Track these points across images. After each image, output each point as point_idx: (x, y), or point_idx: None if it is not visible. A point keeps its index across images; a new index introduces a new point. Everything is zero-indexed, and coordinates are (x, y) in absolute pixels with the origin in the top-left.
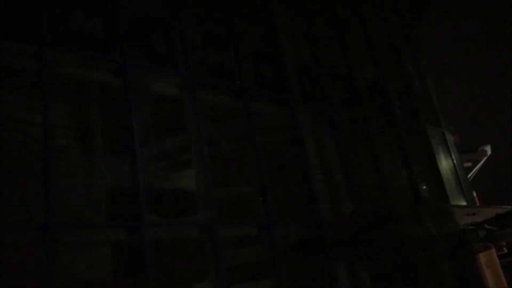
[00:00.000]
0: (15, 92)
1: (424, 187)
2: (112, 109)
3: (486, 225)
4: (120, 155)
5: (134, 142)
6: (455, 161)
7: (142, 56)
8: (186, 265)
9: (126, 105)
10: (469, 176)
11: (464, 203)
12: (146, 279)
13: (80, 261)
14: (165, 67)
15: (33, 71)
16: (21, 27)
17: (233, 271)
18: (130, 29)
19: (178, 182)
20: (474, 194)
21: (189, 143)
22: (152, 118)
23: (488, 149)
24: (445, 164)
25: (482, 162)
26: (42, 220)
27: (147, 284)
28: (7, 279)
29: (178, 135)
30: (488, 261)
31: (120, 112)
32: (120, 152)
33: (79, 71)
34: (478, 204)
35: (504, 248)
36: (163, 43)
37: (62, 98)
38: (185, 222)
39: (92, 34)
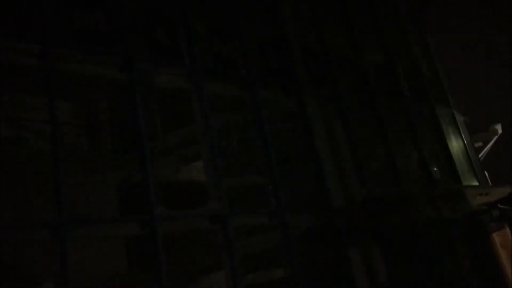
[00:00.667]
0: (22, 90)
1: (435, 169)
2: (120, 104)
3: (499, 204)
4: (129, 149)
5: (143, 136)
6: (465, 142)
7: (147, 50)
8: (200, 256)
9: (132, 99)
10: (480, 155)
11: (476, 184)
12: (159, 272)
13: (95, 256)
14: (170, 59)
15: (40, 69)
16: (24, 25)
17: (247, 260)
18: (134, 23)
19: (188, 174)
20: (486, 174)
21: (198, 134)
22: (159, 111)
23: (499, 128)
24: (455, 145)
25: (493, 141)
26: (54, 217)
27: (161, 276)
28: (23, 276)
29: (186, 127)
30: (502, 241)
31: (127, 106)
32: (129, 146)
33: (85, 68)
34: (490, 183)
35: None
36: (168, 36)
37: (70, 95)
38: (196, 213)
39: (96, 30)
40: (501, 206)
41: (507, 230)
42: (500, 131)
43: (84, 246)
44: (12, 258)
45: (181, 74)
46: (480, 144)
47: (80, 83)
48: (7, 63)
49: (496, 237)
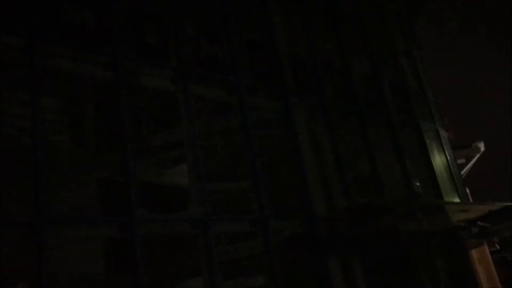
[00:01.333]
0: (7, 86)
1: (418, 183)
2: (105, 103)
3: (479, 221)
4: (112, 149)
5: (126, 136)
6: (448, 157)
7: (134, 49)
8: (179, 260)
9: (117, 99)
10: (462, 172)
11: (457, 200)
12: (137, 275)
13: (73, 256)
14: (157, 60)
15: (25, 64)
16: (9, 19)
17: (227, 266)
18: (122, 21)
19: (170, 177)
20: (467, 190)
21: (182, 137)
22: (144, 112)
23: (482, 146)
24: (438, 160)
25: (475, 158)
26: (32, 216)
27: (138, 279)
28: None
29: (171, 129)
30: (480, 257)
31: (112, 106)
32: (113, 146)
33: (70, 65)
34: (471, 200)
35: (497, 245)
36: (155, 36)
37: (54, 92)
38: (178, 217)
39: (83, 27)
40: (481, 223)
41: (485, 247)
42: (482, 149)
43: (61, 246)
44: None
45: (168, 76)
46: (463, 161)
47: (65, 80)
48: None
49: (474, 253)
